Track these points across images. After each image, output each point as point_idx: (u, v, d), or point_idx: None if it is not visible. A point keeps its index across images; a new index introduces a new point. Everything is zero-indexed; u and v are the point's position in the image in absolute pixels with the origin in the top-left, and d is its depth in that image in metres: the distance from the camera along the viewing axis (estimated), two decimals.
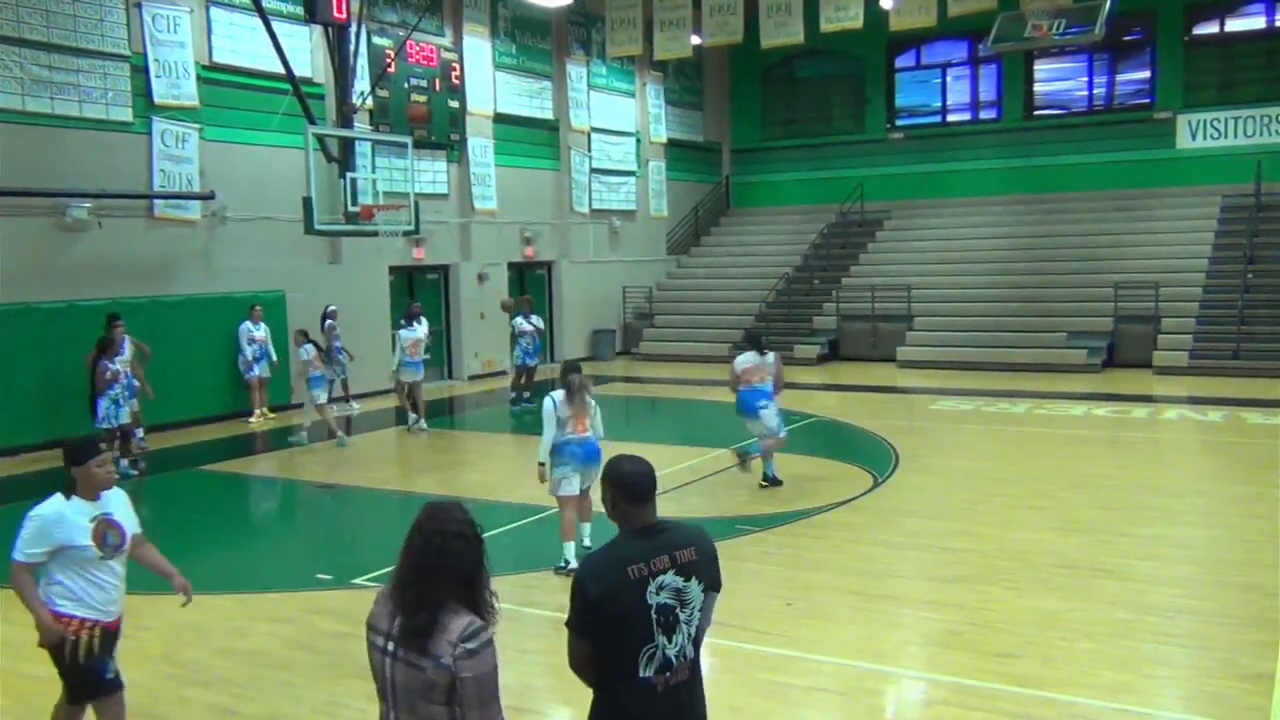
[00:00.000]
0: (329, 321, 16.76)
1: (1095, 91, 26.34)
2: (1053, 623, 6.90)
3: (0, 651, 6.77)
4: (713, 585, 3.54)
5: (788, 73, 29.37)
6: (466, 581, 2.97)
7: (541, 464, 8.28)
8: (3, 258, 13.72)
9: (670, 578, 3.38)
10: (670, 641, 3.36)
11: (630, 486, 3.48)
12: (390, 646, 2.96)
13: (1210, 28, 25.03)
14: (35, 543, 4.68)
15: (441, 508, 3.06)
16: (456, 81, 20.65)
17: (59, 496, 4.76)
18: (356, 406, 17.47)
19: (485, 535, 3.08)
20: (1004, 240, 24.63)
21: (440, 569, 2.93)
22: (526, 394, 16.98)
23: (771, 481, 10.96)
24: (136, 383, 12.49)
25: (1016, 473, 11.77)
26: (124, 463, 12.31)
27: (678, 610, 3.39)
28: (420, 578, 2.95)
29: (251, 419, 16.14)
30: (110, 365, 12.00)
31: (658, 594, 3.35)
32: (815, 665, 6.37)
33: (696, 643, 3.47)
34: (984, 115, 27.41)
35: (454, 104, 20.59)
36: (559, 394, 8.15)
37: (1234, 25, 24.85)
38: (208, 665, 6.58)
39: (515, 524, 9.75)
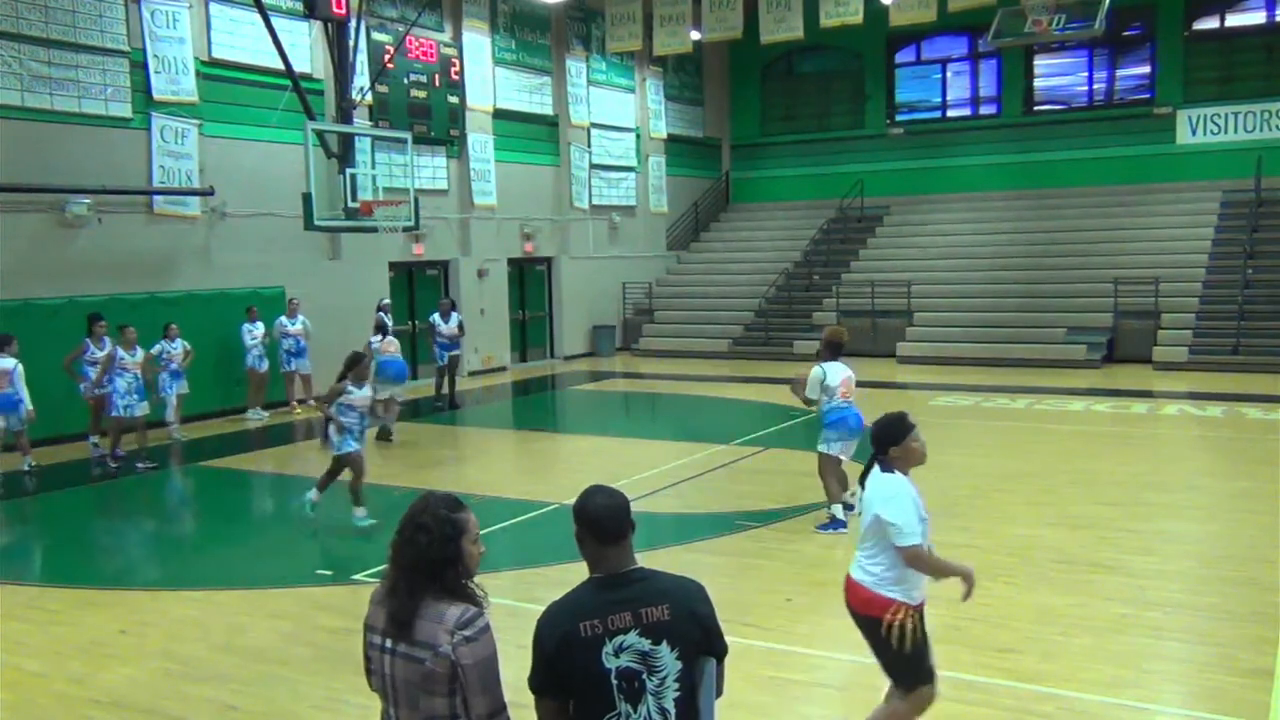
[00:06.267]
0: (380, 314, 17.00)
1: (1095, 87, 26.30)
2: (1052, 618, 6.91)
3: None
4: (701, 651, 3.05)
5: (787, 68, 29.35)
6: (434, 574, 2.92)
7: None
8: (2, 254, 13.71)
9: (633, 638, 2.95)
10: (635, 711, 2.95)
11: (596, 522, 3.03)
12: (388, 644, 2.99)
13: (1210, 23, 24.99)
14: (917, 521, 4.67)
15: (421, 499, 3.05)
16: (456, 77, 20.63)
17: (898, 477, 4.77)
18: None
19: (485, 531, 3.07)
20: (1004, 236, 24.62)
21: (408, 560, 2.95)
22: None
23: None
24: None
25: (1016, 468, 11.77)
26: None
27: (644, 676, 2.94)
28: (395, 567, 3.00)
29: (296, 410, 16.61)
30: (109, 353, 12.25)
31: (617, 656, 2.94)
32: (815, 660, 6.39)
33: (686, 715, 3.02)
34: (984, 110, 27.37)
35: (454, 99, 20.57)
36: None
37: (1234, 20, 24.82)
38: (208, 661, 6.58)
39: (514, 520, 9.76)
